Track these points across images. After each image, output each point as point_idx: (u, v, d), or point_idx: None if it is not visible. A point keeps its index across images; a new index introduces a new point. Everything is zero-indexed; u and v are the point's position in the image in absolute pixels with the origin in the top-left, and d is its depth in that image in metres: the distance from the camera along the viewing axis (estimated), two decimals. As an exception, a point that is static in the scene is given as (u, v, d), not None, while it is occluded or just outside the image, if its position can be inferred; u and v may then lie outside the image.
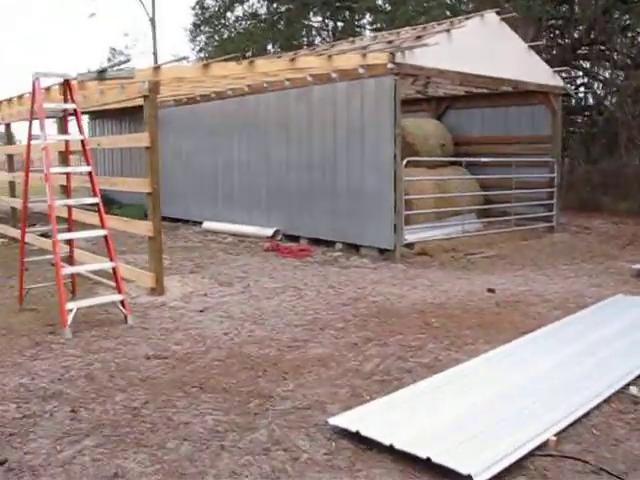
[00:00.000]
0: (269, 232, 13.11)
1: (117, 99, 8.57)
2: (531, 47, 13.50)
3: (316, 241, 12.32)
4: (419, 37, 11.57)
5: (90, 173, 7.16)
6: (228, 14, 30.21)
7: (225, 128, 14.60)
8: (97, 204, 7.14)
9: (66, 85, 7.28)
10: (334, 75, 11.55)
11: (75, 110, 7.22)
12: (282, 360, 5.75)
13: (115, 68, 7.75)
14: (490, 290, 8.43)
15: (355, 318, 7.17)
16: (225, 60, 8.47)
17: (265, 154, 13.44)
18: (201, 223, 15.23)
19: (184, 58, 7.53)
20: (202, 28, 30.59)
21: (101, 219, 7.13)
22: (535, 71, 13.36)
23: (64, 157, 7.94)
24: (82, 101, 9.54)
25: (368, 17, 29.56)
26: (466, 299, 8.05)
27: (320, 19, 30.54)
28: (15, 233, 13.50)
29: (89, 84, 8.10)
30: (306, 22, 29.62)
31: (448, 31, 11.48)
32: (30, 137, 7.50)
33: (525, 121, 14.98)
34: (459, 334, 6.48)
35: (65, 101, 7.34)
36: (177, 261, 10.97)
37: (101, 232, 7.17)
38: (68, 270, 7.24)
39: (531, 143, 14.61)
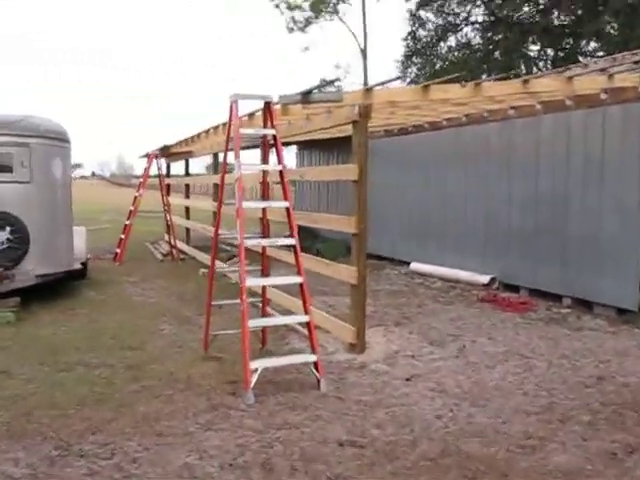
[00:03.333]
0: (484, 279, 11.63)
1: (323, 126, 7.64)
2: None
3: (539, 293, 10.66)
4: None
5: (287, 209, 6.22)
6: (441, 44, 29.20)
7: (439, 161, 13.37)
8: (294, 246, 6.18)
9: (266, 109, 6.42)
10: (568, 102, 9.95)
11: (274, 136, 6.33)
12: (514, 469, 4.33)
13: (323, 90, 6.79)
14: None
15: (605, 408, 5.55)
16: (446, 82, 7.26)
17: (483, 191, 12.01)
18: (408, 263, 14.05)
19: (398, 78, 6.39)
20: (414, 59, 29.81)
21: (297, 264, 6.16)
22: None
23: (264, 188, 7.06)
24: (286, 128, 8.79)
25: (593, 43, 27.26)
26: None
27: (538, 47, 28.65)
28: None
29: (293, 109, 7.25)
30: (524, 51, 27.85)
31: None
32: (225, 165, 6.73)
33: None
34: None
35: (265, 126, 6.50)
36: (381, 308, 9.83)
37: (297, 279, 6.18)
38: (256, 323, 6.30)
39: None
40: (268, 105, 6.41)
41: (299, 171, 9.00)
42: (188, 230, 17.39)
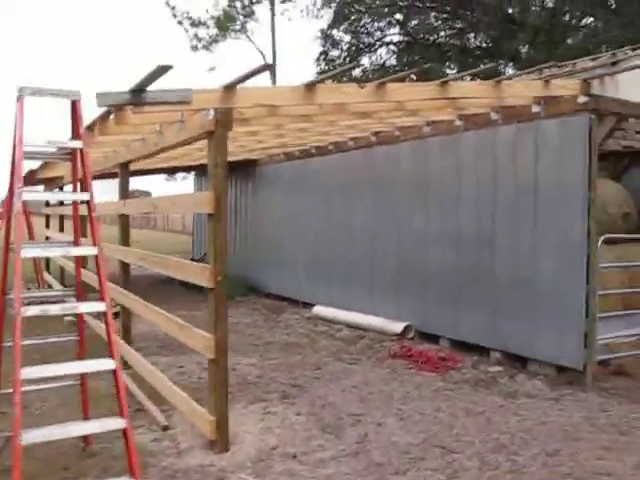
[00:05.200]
0: (397, 328, 9.77)
1: (177, 139, 5.63)
2: None
3: (463, 345, 8.86)
4: (615, 63, 8.08)
5: (97, 257, 4.18)
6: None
7: (344, 188, 11.51)
8: (104, 314, 4.13)
9: (73, 111, 4.38)
10: (494, 116, 8.29)
11: (82, 151, 4.28)
12: None
13: (167, 89, 4.80)
14: None
15: None
16: (339, 81, 5.38)
17: (395, 222, 10.19)
18: (312, 305, 12.10)
19: (267, 67, 4.38)
20: (326, 82, 28.18)
21: (110, 344, 4.12)
22: None
23: (75, 226, 4.89)
24: (140, 146, 6.77)
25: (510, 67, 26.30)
26: None
27: (456, 70, 27.48)
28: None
29: (134, 117, 5.22)
30: (441, 73, 26.64)
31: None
32: (12, 190, 4.60)
33: None
34: None
35: (73, 136, 4.44)
36: (268, 372, 7.82)
37: (107, 365, 4.12)
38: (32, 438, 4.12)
39: None
40: (75, 106, 4.36)
41: (153, 201, 6.92)
42: (62, 269, 14.98)
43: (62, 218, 15.50)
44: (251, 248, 15.28)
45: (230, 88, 5.03)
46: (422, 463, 5.01)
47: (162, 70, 4.21)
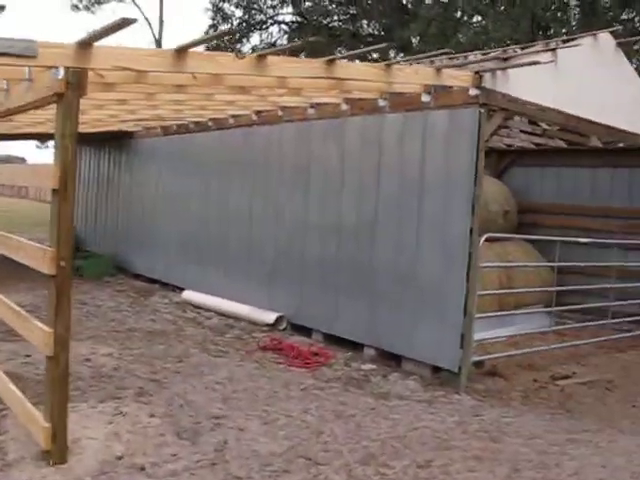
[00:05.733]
0: (269, 318, 9.29)
1: (25, 101, 4.87)
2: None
3: (336, 340, 8.50)
4: (507, 59, 7.85)
5: None
6: (243, 41, 26.92)
7: (223, 168, 10.89)
8: None
9: None
10: (382, 103, 7.92)
11: None
12: None
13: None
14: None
15: None
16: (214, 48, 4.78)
17: (274, 207, 9.69)
18: (182, 289, 11.43)
19: (130, 22, 3.74)
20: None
21: None
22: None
23: None
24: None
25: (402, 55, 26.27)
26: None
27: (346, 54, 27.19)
28: None
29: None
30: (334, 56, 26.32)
31: (553, 50, 7.81)
32: None
33: (619, 188, 11.30)
34: None
35: None
36: (125, 364, 7.15)
37: None
38: None
39: (630, 218, 10.92)
40: None
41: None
42: None
43: None
44: (122, 225, 14.39)
45: (85, 45, 4.33)
46: (285, 477, 4.56)
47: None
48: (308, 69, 5.45)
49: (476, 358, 7.36)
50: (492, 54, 8.44)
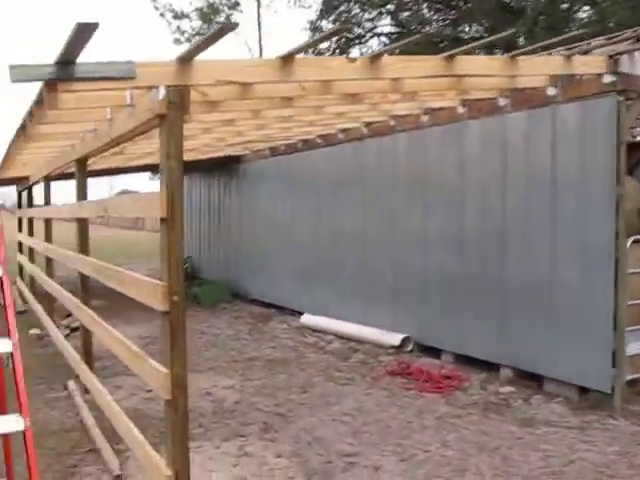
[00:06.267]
0: (394, 340, 8.77)
1: (126, 128, 4.60)
2: None
3: (469, 360, 7.87)
4: (640, 40, 7.05)
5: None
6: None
7: (333, 186, 10.49)
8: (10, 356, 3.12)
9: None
10: (502, 102, 7.29)
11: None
12: None
13: (110, 62, 3.78)
14: None
15: None
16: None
17: (390, 223, 9.17)
18: (300, 313, 11.09)
19: (232, 27, 3.40)
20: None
21: (19, 401, 3.08)
22: None
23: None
24: (92, 138, 5.77)
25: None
26: None
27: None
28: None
29: (64, 98, 4.20)
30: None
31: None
32: None
33: None
34: None
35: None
36: (247, 396, 6.81)
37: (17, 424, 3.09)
38: None
39: None
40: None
41: (103, 203, 5.86)
42: (32, 277, 13.89)
43: (23, 221, 14.43)
44: (236, 251, 14.25)
45: (185, 60, 4.01)
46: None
47: (86, 29, 3.18)
48: (426, 67, 4.93)
49: (630, 376, 6.56)
50: (621, 36, 7.63)
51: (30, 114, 5.19)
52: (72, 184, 7.17)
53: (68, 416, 6.29)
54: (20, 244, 14.94)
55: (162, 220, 3.87)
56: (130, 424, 4.86)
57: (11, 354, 3.09)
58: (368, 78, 4.69)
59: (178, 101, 3.80)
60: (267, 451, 5.21)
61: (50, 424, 6.05)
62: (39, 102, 4.51)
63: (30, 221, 13.48)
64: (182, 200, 3.86)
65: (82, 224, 6.98)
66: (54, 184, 10.27)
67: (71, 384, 7.18)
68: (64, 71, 3.66)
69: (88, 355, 7.20)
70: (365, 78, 4.69)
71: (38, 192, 11.86)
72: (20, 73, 3.57)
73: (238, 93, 4.93)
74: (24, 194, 14.51)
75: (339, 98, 5.95)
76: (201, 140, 9.04)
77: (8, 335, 3.10)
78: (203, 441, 5.45)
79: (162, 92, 3.80)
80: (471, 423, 5.96)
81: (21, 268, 14.88)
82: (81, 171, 7.00)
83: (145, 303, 4.16)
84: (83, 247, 6.98)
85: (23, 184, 14.18)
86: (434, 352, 8.38)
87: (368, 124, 9.29)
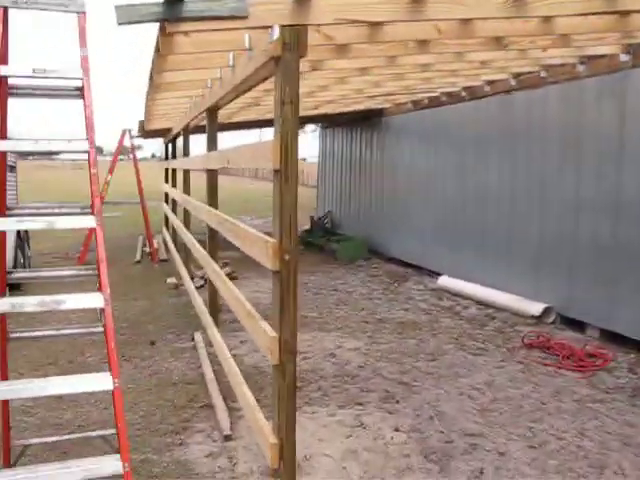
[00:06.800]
0: (536, 309, 8.16)
1: (245, 74, 4.33)
2: None
3: (615, 337, 7.16)
4: None
5: (92, 231, 3.01)
6: None
7: (479, 143, 9.85)
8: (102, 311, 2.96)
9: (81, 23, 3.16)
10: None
11: (82, 84, 3.07)
12: None
13: None
14: None
15: None
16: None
17: (538, 183, 8.47)
18: (438, 274, 10.65)
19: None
20: None
21: (110, 361, 2.92)
22: None
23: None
24: (218, 86, 5.59)
25: None
26: None
27: None
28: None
29: (179, 42, 3.99)
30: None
31: None
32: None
33: None
34: None
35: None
36: (373, 361, 6.52)
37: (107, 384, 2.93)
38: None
39: None
40: (84, 18, 3.14)
41: (224, 153, 5.65)
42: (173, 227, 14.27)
43: (168, 172, 14.74)
44: (375, 208, 13.91)
45: (303, -2, 3.65)
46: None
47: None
48: (583, 2, 4.27)
49: None
50: None
51: (153, 62, 5.05)
52: (222, 136, 7.09)
53: (191, 368, 6.28)
54: (166, 195, 15.37)
55: (275, 172, 3.59)
56: (244, 386, 4.69)
57: (102, 310, 2.92)
58: (512, 17, 4.12)
59: (294, 42, 3.47)
60: (384, 423, 4.91)
61: (172, 375, 6.06)
62: (157, 49, 4.32)
63: (173, 172, 13.78)
64: (297, 151, 3.55)
65: (211, 175, 6.88)
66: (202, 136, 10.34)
67: (197, 335, 7.19)
68: (171, 11, 3.41)
69: (214, 308, 7.17)
70: (509, 17, 4.12)
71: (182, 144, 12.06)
72: (126, 14, 3.35)
73: (366, 36, 4.51)
74: (169, 146, 14.85)
75: (481, 43, 5.38)
76: (337, 91, 8.70)
77: (99, 289, 2.93)
78: (319, 406, 5.23)
79: (276, 32, 3.49)
80: (615, 412, 5.35)
81: (167, 218, 15.31)
82: (212, 121, 6.87)
83: (257, 260, 3.92)
84: (212, 198, 6.89)
85: (167, 136, 14.53)
86: (578, 326, 7.72)
87: (516, 75, 8.57)
